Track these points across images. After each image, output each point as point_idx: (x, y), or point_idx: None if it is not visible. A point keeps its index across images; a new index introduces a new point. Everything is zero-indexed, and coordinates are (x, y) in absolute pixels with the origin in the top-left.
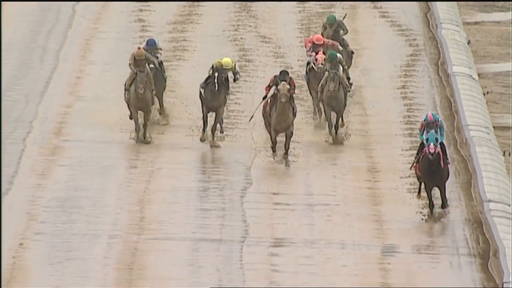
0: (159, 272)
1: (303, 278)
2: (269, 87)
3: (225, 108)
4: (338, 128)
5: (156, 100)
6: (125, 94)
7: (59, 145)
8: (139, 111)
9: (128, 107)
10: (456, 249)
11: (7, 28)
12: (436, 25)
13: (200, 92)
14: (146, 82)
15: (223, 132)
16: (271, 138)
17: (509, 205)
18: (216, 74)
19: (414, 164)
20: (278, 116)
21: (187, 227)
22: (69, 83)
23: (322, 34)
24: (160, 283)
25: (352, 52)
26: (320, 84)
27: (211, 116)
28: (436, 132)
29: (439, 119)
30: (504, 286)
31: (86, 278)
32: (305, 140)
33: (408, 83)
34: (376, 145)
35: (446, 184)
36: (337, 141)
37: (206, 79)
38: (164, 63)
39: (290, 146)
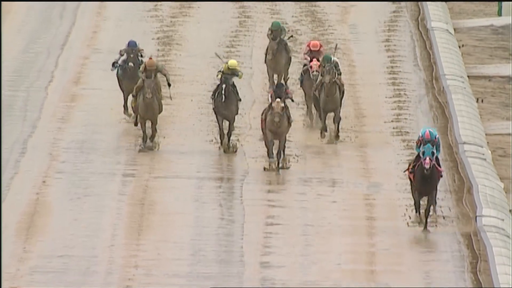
0: (167, 207)
1: (297, 212)
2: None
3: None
4: (338, 128)
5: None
6: (131, 101)
7: (78, 93)
8: (146, 121)
9: (136, 116)
10: None
11: None
12: None
13: (212, 103)
14: (153, 89)
15: (230, 137)
16: (266, 144)
17: (482, 147)
18: (223, 86)
19: (409, 172)
20: (272, 124)
21: (192, 166)
22: (86, 37)
23: (268, 36)
24: (168, 217)
25: (290, 59)
26: (315, 86)
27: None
28: (433, 145)
29: (436, 136)
30: (477, 219)
31: (101, 212)
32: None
33: (391, 37)
34: (362, 94)
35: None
36: (337, 138)
37: (215, 90)
38: (172, 20)
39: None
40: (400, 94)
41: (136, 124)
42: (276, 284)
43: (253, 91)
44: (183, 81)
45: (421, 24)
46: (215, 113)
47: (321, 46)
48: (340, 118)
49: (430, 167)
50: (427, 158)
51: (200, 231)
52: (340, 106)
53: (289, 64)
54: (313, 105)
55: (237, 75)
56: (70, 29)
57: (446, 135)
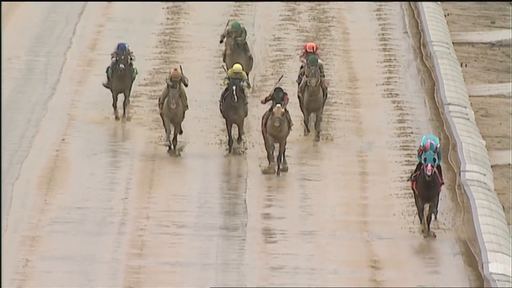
0: (177, 163)
1: (296, 168)
2: (266, 100)
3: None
4: (319, 128)
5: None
6: (159, 107)
7: (94, 58)
8: (171, 124)
9: (162, 120)
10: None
11: None
12: None
13: (220, 107)
14: (178, 98)
15: (240, 140)
16: (267, 149)
17: (466, 107)
18: (234, 87)
19: (411, 180)
20: (273, 126)
21: (199, 126)
22: (101, 6)
23: (223, 39)
24: (177, 172)
25: (250, 59)
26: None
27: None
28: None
29: (438, 146)
30: (461, 174)
31: (116, 168)
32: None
33: (382, 6)
34: (355, 59)
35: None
36: (316, 139)
37: (223, 94)
38: None
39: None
40: (390, 59)
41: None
42: (277, 233)
43: (255, 56)
44: (191, 47)
45: None
46: (224, 117)
47: (317, 48)
48: (321, 119)
49: (431, 174)
50: (429, 165)
51: (206, 185)
52: (322, 107)
53: (250, 65)
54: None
55: (243, 82)
56: None
57: (433, 97)
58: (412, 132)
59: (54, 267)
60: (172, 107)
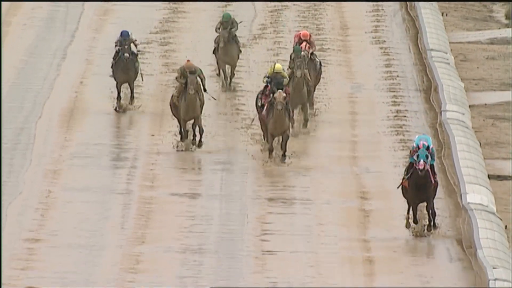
0: None
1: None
2: (266, 96)
3: None
4: (307, 119)
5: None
6: (171, 106)
7: (109, 8)
8: (188, 121)
9: (178, 120)
10: (407, 85)
11: None
12: None
13: (257, 104)
14: (196, 85)
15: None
16: (267, 141)
17: (446, 53)
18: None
19: (404, 180)
20: (274, 122)
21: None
22: None
23: (216, 30)
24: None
25: (240, 51)
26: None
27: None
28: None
29: (430, 146)
30: (442, 113)
31: (130, 109)
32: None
33: None
34: (346, 9)
35: (434, 201)
36: (304, 125)
37: (263, 90)
38: None
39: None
40: (378, 9)
41: (181, 133)
42: (275, 167)
43: (255, 6)
44: (200, 13)
45: None
46: (259, 113)
47: (310, 36)
48: (307, 110)
49: (423, 169)
50: (421, 161)
51: (211, 124)
52: (307, 101)
53: (239, 56)
54: None
55: (283, 81)
56: None
57: (417, 43)
58: (398, 76)
59: (74, 198)
60: (190, 93)
